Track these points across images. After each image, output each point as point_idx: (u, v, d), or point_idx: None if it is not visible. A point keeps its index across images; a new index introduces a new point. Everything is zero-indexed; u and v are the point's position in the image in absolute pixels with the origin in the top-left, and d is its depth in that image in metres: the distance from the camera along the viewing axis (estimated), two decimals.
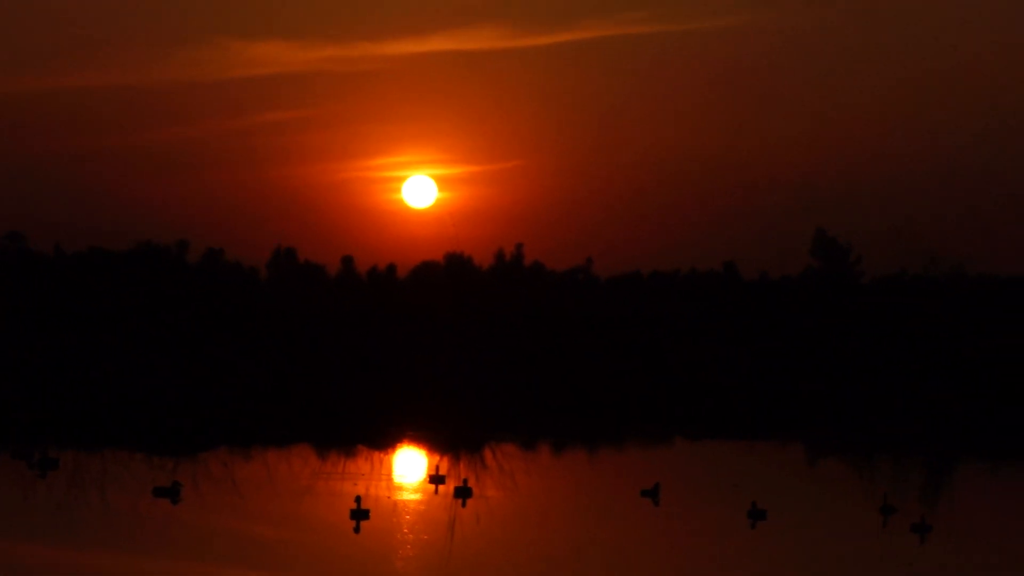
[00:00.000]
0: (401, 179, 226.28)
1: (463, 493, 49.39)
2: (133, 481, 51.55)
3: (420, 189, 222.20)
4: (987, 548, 41.66)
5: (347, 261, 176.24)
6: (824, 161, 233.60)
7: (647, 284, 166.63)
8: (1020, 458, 74.11)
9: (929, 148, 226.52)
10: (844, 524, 45.96)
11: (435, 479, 53.51)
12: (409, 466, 62.71)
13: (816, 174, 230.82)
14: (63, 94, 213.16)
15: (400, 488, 52.42)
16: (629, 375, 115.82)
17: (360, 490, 47.94)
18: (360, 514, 43.27)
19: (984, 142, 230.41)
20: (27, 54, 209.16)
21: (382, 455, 65.21)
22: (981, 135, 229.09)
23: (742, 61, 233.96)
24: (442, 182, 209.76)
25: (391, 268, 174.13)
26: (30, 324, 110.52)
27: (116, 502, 46.54)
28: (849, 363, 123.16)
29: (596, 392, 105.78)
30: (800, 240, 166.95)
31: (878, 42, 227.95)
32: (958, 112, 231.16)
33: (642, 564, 37.48)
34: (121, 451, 65.03)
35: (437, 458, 62.87)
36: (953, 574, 37.14)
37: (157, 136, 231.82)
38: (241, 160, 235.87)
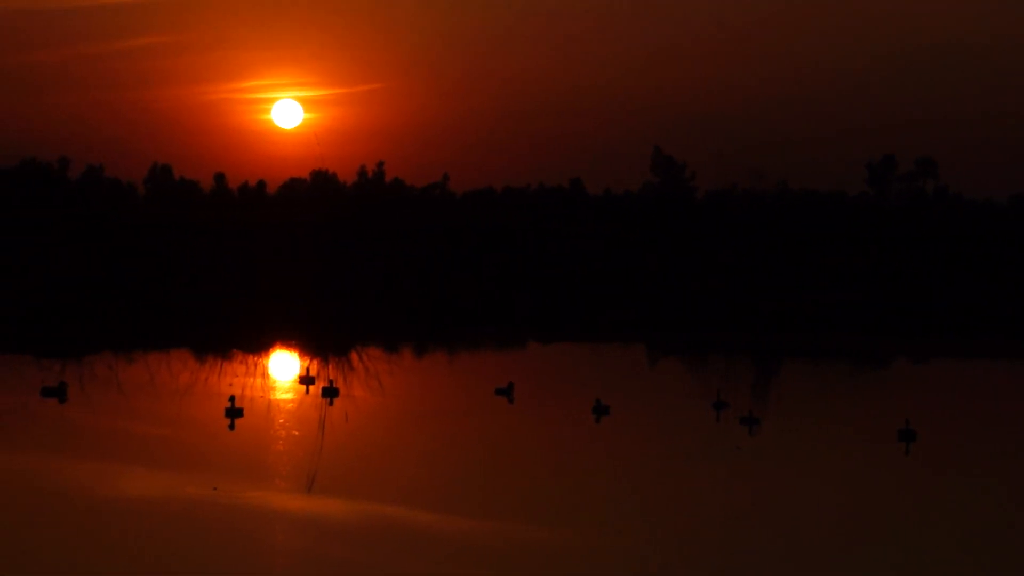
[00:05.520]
0: (270, 101, 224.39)
1: (330, 393, 49.80)
2: (22, 382, 51.31)
3: (288, 111, 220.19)
4: (805, 435, 43.06)
5: (219, 178, 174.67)
6: (661, 88, 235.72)
7: (500, 199, 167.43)
8: (838, 355, 76.05)
9: (757, 77, 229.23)
10: (680, 418, 47.11)
11: (305, 380, 53.86)
12: (281, 369, 62.93)
13: (655, 99, 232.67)
14: None
15: (272, 389, 52.69)
16: (486, 283, 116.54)
17: (235, 391, 48.14)
18: (235, 412, 43.56)
19: (804, 77, 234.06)
20: None
21: (256, 359, 65.33)
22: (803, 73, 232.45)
23: None
24: (308, 104, 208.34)
25: (261, 184, 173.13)
26: None
27: (6, 401, 46.36)
28: (688, 270, 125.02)
29: (454, 299, 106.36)
30: (641, 159, 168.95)
31: None
32: (779, 51, 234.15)
33: (499, 456, 38.27)
34: (10, 355, 64.55)
35: (307, 361, 63.14)
36: (773, 455, 38.43)
37: (39, 57, 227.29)
38: (119, 82, 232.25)
